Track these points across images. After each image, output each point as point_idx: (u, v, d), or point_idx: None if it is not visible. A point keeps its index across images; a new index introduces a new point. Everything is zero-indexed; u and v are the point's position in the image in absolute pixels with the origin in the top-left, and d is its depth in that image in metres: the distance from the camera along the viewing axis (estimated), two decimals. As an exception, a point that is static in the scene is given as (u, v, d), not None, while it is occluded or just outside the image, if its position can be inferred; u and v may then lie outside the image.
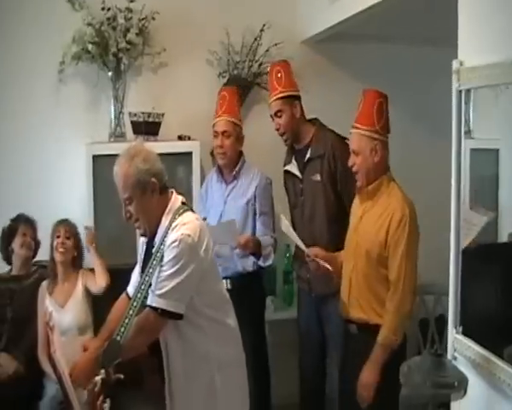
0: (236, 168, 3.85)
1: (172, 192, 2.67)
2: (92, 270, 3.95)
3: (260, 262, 3.75)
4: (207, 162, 4.44)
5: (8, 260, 4.04)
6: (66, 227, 3.93)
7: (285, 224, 3.44)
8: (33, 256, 4.08)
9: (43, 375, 3.71)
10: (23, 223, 4.00)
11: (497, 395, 2.39)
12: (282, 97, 3.67)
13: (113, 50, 4.28)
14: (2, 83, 4.39)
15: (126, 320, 2.37)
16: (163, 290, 2.44)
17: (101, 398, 2.32)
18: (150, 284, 2.50)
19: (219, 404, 2.61)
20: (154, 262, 2.47)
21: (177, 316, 2.48)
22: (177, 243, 2.45)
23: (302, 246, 3.36)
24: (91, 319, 3.83)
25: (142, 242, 2.83)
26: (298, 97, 3.71)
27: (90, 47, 4.25)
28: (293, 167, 3.76)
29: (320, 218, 3.63)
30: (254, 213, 3.80)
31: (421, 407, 2.31)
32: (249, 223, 3.78)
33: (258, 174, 3.85)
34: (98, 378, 2.32)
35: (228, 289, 2.95)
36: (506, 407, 2.35)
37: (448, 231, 2.74)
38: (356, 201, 3.23)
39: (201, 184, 4.19)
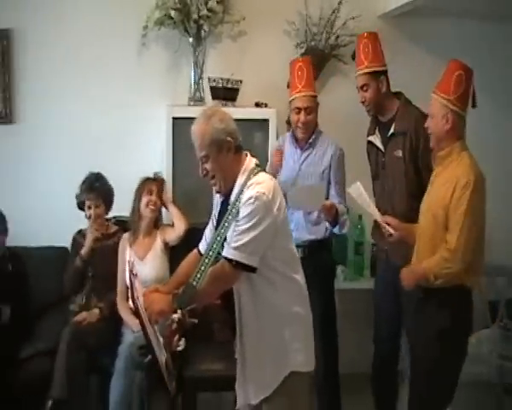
0: (312, 136, 3.92)
1: (247, 154, 2.79)
2: (169, 225, 4.14)
3: (336, 230, 3.83)
4: (283, 130, 4.52)
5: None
6: (160, 186, 4.13)
7: (356, 189, 3.50)
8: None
9: (121, 323, 3.95)
10: (88, 193, 4.14)
11: None
12: (368, 72, 3.72)
13: (195, 17, 4.42)
14: (86, 45, 4.59)
15: (202, 268, 2.52)
16: (238, 243, 2.56)
17: (176, 336, 2.48)
18: (225, 238, 2.63)
19: (287, 357, 2.70)
20: (230, 217, 2.60)
21: (251, 269, 2.59)
22: (252, 200, 2.56)
23: (373, 212, 3.46)
24: (168, 273, 3.96)
25: (217, 201, 2.95)
26: (384, 72, 3.76)
27: (172, 13, 4.40)
28: (376, 139, 3.82)
29: (400, 193, 3.68)
30: (328, 182, 3.88)
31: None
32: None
33: (333, 144, 3.92)
34: (175, 316, 2.46)
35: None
36: None
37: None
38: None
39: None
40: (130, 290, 2.73)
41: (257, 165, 2.76)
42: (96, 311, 3.97)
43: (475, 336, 2.47)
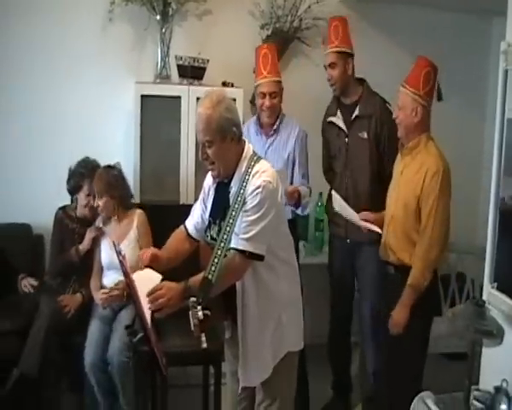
0: (277, 122, 3.99)
1: (245, 141, 2.83)
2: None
3: (299, 211, 3.95)
4: (247, 109, 4.62)
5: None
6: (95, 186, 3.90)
7: (338, 203, 3.68)
8: None
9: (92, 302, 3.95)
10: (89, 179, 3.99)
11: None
12: (337, 51, 3.88)
13: (164, -6, 4.43)
14: (51, 20, 4.53)
15: (216, 260, 2.52)
16: (250, 234, 2.60)
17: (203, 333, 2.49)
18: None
19: (284, 339, 2.83)
20: (236, 206, 2.62)
21: (260, 257, 2.66)
22: (260, 190, 2.61)
23: (357, 221, 3.58)
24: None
25: (208, 184, 2.96)
26: (351, 55, 3.93)
27: (141, -11, 4.38)
28: (338, 120, 3.98)
29: (364, 173, 3.89)
30: (293, 165, 3.98)
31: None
32: (288, 174, 3.95)
33: (297, 127, 4.01)
34: (200, 314, 2.44)
35: None
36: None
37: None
38: (398, 157, 3.48)
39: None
40: (122, 270, 2.75)
41: (253, 151, 2.81)
42: (79, 296, 3.95)
43: (451, 311, 2.64)
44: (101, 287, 3.91)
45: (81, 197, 4.05)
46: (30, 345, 3.67)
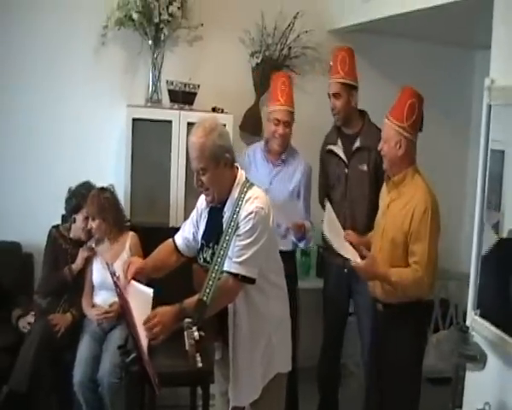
0: (285, 153, 4.04)
1: (238, 167, 2.91)
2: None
3: (301, 245, 4.04)
4: (236, 135, 4.67)
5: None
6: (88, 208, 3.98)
7: (327, 215, 3.63)
8: None
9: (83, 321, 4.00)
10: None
11: (510, 371, 2.77)
12: (343, 83, 3.95)
13: (156, 21, 4.52)
14: (45, 43, 4.59)
15: (210, 283, 2.60)
16: (242, 258, 2.69)
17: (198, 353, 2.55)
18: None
19: (273, 360, 2.90)
20: (230, 231, 2.70)
21: (252, 281, 2.75)
22: (253, 215, 2.70)
23: (338, 246, 3.45)
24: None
25: (201, 206, 3.02)
26: (356, 88, 4.00)
27: (135, 16, 4.46)
28: (339, 150, 4.04)
29: (362, 204, 3.94)
30: (297, 198, 4.03)
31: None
32: (293, 207, 3.99)
33: (302, 161, 4.06)
34: (196, 334, 2.49)
35: None
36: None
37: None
38: (383, 188, 3.52)
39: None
40: (116, 291, 2.82)
41: (246, 178, 2.89)
42: (69, 317, 3.99)
43: (435, 336, 2.73)
44: (93, 306, 3.97)
45: (79, 218, 4.10)
46: (20, 362, 3.70)
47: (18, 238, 4.48)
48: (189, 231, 3.06)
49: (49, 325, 3.89)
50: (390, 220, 3.35)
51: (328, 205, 3.69)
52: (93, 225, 3.95)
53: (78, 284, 4.05)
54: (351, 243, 3.47)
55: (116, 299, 3.65)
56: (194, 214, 3.08)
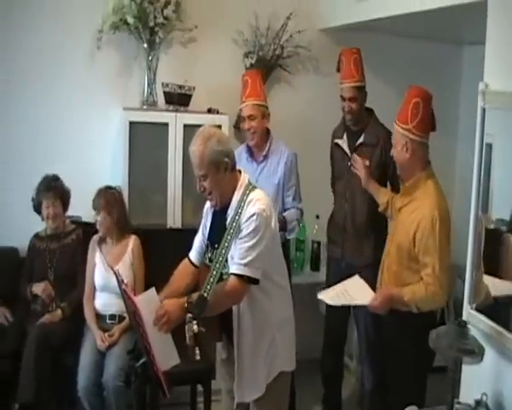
0: (266, 148, 4.14)
1: (240, 171, 3.00)
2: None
3: (287, 235, 4.11)
4: (231, 135, 4.73)
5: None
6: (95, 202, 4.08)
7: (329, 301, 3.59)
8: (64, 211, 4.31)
9: (84, 323, 4.04)
10: (46, 193, 4.20)
11: (505, 362, 2.85)
12: (358, 87, 4.02)
13: (151, 25, 4.56)
14: (40, 47, 4.61)
15: (211, 279, 2.69)
16: (247, 260, 2.76)
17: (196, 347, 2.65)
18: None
19: (277, 359, 2.98)
20: (232, 231, 2.79)
21: (256, 281, 2.82)
22: (255, 217, 2.78)
23: (361, 301, 3.46)
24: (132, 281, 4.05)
25: (206, 211, 3.13)
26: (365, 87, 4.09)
27: (130, 20, 4.49)
28: (343, 144, 4.14)
29: (362, 196, 4.03)
30: (283, 190, 4.13)
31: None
32: (279, 199, 4.11)
33: (286, 151, 4.14)
34: (195, 328, 2.61)
35: None
36: (513, 373, 2.82)
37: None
38: (399, 194, 3.58)
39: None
40: (123, 297, 2.89)
41: (249, 180, 2.97)
42: (59, 312, 4.05)
43: (435, 332, 2.80)
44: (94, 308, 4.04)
45: (43, 212, 4.18)
46: (24, 372, 3.73)
47: (15, 243, 4.50)
48: (199, 241, 3.16)
49: (43, 326, 3.93)
50: (399, 225, 3.42)
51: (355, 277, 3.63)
52: (98, 218, 4.03)
53: (59, 276, 4.13)
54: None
55: (117, 311, 3.89)
56: (202, 222, 3.17)
